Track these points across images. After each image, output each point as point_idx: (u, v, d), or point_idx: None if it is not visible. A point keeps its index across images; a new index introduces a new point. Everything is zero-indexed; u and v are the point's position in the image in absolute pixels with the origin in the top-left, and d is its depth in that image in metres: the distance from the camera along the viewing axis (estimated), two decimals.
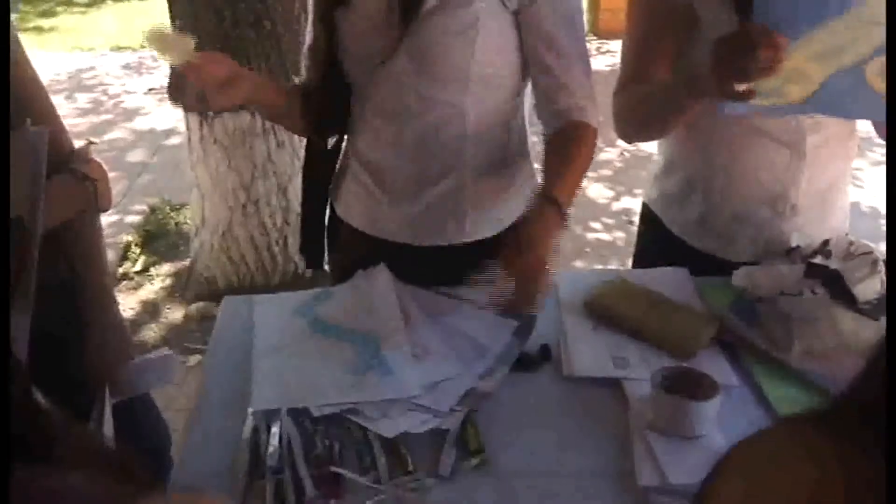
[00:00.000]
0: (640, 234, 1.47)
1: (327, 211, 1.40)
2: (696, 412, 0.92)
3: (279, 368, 1.06)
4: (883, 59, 0.99)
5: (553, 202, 1.09)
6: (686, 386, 0.95)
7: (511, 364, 1.08)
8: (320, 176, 1.36)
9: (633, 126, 1.28)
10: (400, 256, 1.27)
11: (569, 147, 1.18)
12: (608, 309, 1.18)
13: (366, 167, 1.29)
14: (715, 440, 0.92)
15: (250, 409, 0.99)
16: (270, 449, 0.92)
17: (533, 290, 1.05)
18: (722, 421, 0.95)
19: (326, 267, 1.49)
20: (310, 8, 1.27)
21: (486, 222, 1.28)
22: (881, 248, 1.18)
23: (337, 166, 1.37)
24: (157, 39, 1.09)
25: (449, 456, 0.92)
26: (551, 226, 1.07)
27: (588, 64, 1.21)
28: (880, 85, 1.02)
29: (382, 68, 1.15)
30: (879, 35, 0.98)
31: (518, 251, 1.03)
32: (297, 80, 1.36)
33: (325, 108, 1.26)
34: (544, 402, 1.03)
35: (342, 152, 1.35)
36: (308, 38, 1.29)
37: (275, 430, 0.95)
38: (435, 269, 1.26)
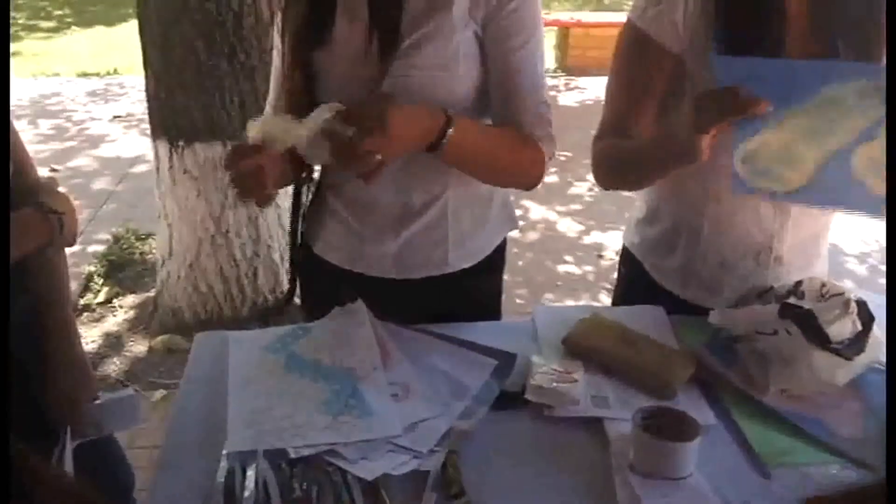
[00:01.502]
0: (621, 277, 1.47)
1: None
2: (679, 453, 0.92)
3: (255, 408, 1.03)
4: (868, 146, 1.03)
5: (445, 116, 1.05)
6: (667, 425, 0.95)
7: (491, 403, 1.07)
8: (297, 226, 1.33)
9: (611, 177, 1.29)
10: (382, 291, 1.26)
11: (503, 130, 1.18)
12: (586, 347, 1.18)
13: (347, 205, 1.27)
14: (697, 481, 0.92)
15: (225, 451, 0.96)
16: (246, 493, 0.89)
17: (360, 153, 0.97)
18: (700, 460, 0.94)
19: (297, 300, 1.47)
20: (276, 56, 1.26)
21: (466, 253, 1.29)
22: (843, 284, 1.21)
23: (304, 205, 1.34)
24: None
25: (430, 499, 0.90)
26: (425, 121, 1.04)
27: (544, 96, 1.20)
28: (866, 176, 1.04)
29: None
30: (860, 119, 1.02)
31: (381, 114, 0.96)
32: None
33: None
34: (525, 442, 1.01)
35: (315, 191, 1.34)
36: (275, 85, 1.27)
37: (250, 472, 0.92)
38: (416, 301, 1.26)
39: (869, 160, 1.04)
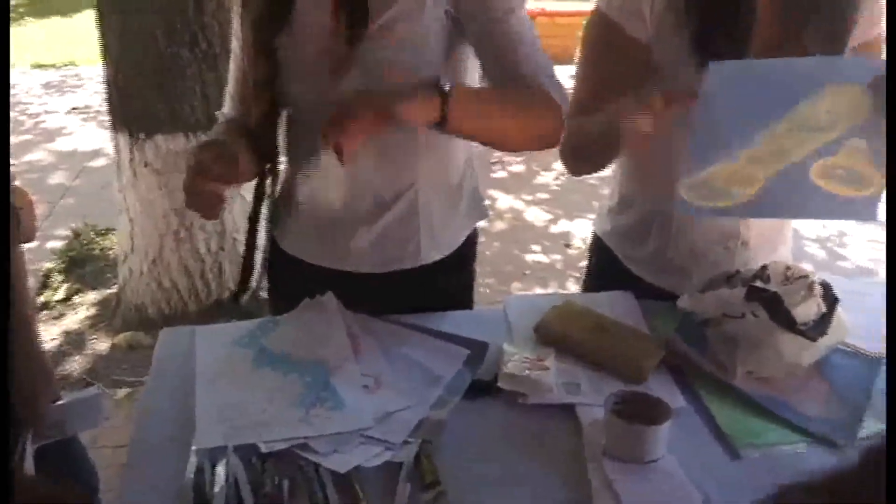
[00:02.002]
0: (591, 265, 1.48)
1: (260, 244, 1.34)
2: (651, 437, 0.93)
3: (223, 403, 1.01)
4: (826, 161, 1.07)
5: (439, 91, 1.02)
6: (639, 410, 0.95)
7: (463, 392, 1.06)
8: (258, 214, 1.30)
9: (576, 159, 1.27)
10: (355, 286, 1.24)
11: (508, 87, 1.12)
12: (558, 334, 1.18)
13: (316, 198, 1.25)
14: (669, 463, 0.93)
15: (193, 447, 0.94)
16: (216, 489, 0.87)
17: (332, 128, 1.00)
18: (671, 443, 0.95)
19: (263, 293, 1.44)
20: (235, 44, 1.23)
21: (438, 244, 1.28)
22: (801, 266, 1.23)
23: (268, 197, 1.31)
24: None
25: (404, 490, 0.89)
26: (420, 104, 1.02)
27: (539, 46, 1.15)
28: (824, 183, 1.08)
29: (333, 92, 1.12)
30: (819, 140, 1.06)
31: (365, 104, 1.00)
32: (221, 118, 1.29)
33: (274, 143, 1.22)
34: (499, 431, 1.01)
35: (281, 185, 1.31)
36: (234, 74, 1.24)
37: (220, 468, 0.90)
38: (389, 296, 1.24)
39: (825, 169, 1.08)
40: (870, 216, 1.14)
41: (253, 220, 1.29)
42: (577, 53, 1.27)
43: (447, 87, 1.04)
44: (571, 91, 1.27)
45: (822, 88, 1.04)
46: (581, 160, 1.28)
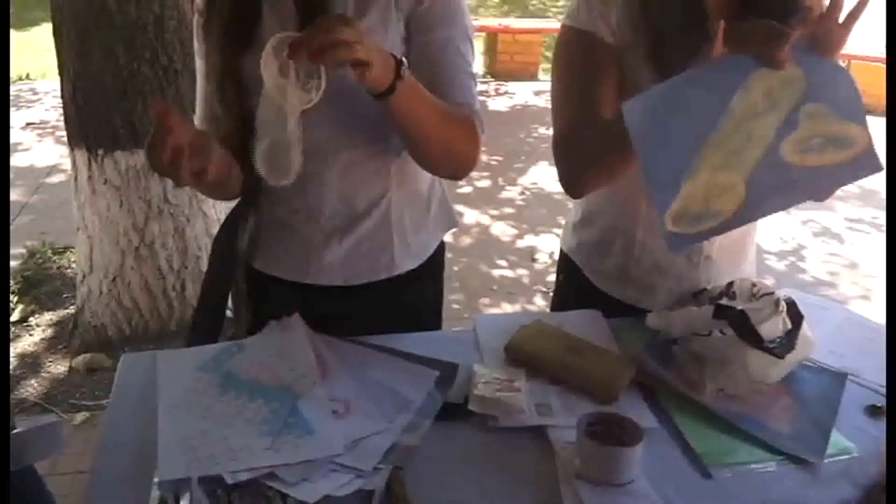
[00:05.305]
0: (559, 282, 1.48)
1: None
2: (624, 458, 0.92)
3: (187, 432, 0.98)
4: (793, 135, 1.03)
5: (395, 59, 0.99)
6: (611, 431, 0.95)
7: (434, 415, 1.05)
8: (234, 240, 1.27)
9: (583, 169, 1.21)
10: (327, 300, 1.24)
11: (445, 103, 1.10)
12: (528, 354, 1.17)
13: (290, 213, 1.24)
14: (642, 485, 0.93)
15: (156, 479, 0.90)
16: None
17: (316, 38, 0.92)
18: (644, 464, 0.95)
19: (229, 312, 1.41)
20: (199, 65, 1.21)
21: (411, 253, 1.28)
22: (765, 280, 1.24)
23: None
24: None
25: None
26: (380, 55, 0.96)
27: (473, 81, 1.17)
28: (802, 159, 1.04)
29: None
30: (770, 123, 1.03)
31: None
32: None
33: (249, 164, 1.20)
34: (471, 455, 1.00)
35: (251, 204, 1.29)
36: (202, 101, 1.22)
37: (184, 502, 0.87)
38: (361, 309, 1.24)
39: (796, 145, 1.04)
40: (873, 168, 1.06)
41: (222, 243, 1.27)
42: (552, 72, 1.25)
43: (403, 59, 1.00)
44: (555, 110, 1.24)
45: (745, 81, 1.01)
46: (587, 172, 1.21)
